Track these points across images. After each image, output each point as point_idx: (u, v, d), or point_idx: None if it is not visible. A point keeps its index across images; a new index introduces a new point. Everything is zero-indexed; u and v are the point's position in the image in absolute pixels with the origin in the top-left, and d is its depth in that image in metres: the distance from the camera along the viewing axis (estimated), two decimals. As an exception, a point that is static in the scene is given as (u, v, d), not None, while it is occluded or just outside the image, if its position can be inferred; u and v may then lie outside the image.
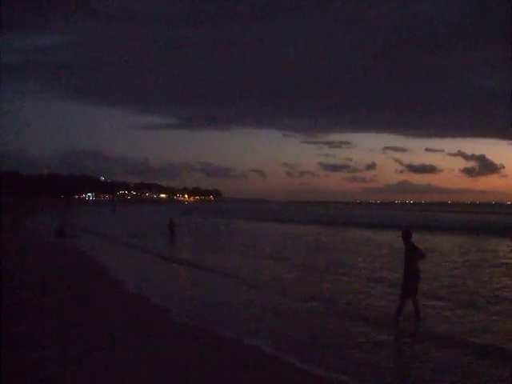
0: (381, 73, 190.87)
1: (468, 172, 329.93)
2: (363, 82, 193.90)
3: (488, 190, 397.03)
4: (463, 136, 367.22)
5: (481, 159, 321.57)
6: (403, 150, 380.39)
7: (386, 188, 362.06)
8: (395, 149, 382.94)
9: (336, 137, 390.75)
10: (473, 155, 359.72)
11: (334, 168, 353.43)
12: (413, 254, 10.87)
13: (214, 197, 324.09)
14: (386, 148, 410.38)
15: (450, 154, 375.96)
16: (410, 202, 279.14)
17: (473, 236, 37.58)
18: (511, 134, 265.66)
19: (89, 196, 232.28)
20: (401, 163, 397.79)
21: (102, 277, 16.62)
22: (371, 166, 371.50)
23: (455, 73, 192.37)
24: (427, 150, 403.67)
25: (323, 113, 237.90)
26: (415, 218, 72.98)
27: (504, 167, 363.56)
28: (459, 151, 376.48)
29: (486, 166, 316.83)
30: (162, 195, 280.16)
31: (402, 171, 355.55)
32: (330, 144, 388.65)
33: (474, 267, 19.52)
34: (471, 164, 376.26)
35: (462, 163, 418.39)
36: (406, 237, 11.07)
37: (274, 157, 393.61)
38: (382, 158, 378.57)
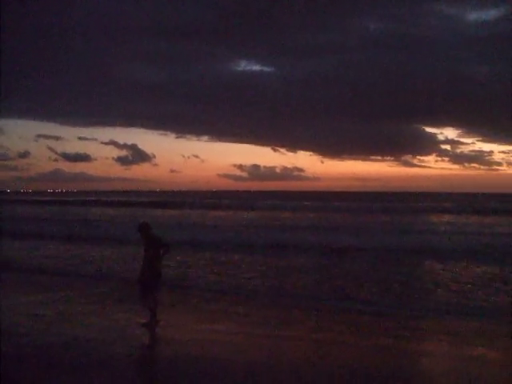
0: (31, 58, 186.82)
1: (121, 161, 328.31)
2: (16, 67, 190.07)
3: (141, 179, 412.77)
4: (115, 125, 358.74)
5: (133, 148, 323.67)
6: (57, 138, 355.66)
7: (38, 177, 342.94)
8: (49, 137, 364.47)
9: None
10: (125, 144, 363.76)
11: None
12: (157, 248, 9.74)
13: None
14: (39, 136, 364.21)
15: (103, 143, 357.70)
16: (62, 191, 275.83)
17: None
18: (160, 124, 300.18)
19: None
20: (55, 152, 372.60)
21: None
22: (24, 155, 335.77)
23: (113, 63, 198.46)
24: (80, 138, 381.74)
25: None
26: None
27: (155, 156, 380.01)
28: (111, 140, 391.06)
29: (139, 155, 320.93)
30: None
31: (55, 160, 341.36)
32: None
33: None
34: (124, 153, 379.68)
35: (115, 152, 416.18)
36: (145, 230, 9.86)
37: None
38: (36, 146, 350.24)
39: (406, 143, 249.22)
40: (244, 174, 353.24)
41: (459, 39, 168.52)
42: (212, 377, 7.38)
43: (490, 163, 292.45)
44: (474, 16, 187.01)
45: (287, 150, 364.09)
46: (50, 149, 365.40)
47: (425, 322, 11.08)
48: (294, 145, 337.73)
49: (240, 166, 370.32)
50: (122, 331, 9.65)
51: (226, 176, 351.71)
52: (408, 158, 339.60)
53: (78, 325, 10.08)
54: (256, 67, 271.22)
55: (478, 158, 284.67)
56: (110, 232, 31.17)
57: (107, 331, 9.62)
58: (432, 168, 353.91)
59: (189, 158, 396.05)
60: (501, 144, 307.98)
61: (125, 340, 9.09)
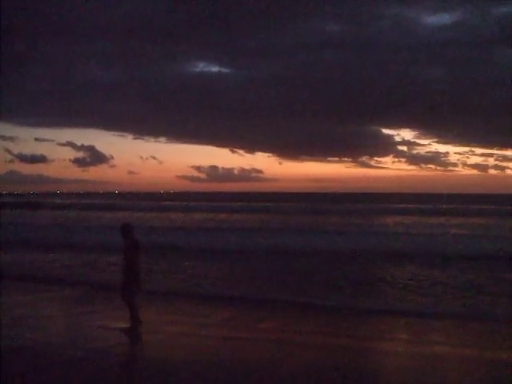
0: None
1: (79, 162, 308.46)
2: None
3: (98, 180, 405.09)
4: (72, 126, 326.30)
5: (90, 150, 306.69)
6: (12, 138, 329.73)
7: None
8: (4, 138, 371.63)
9: None
10: (82, 146, 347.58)
11: None
12: (135, 251, 9.72)
13: None
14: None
15: (60, 144, 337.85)
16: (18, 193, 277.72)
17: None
18: (118, 125, 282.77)
19: None
20: (11, 153, 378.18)
21: None
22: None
23: (70, 63, 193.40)
24: (37, 139, 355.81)
25: None
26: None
27: (113, 158, 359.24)
28: (68, 141, 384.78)
29: (96, 157, 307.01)
30: None
31: (11, 161, 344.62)
32: None
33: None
34: (81, 154, 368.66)
35: (73, 153, 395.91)
36: (128, 231, 9.82)
37: None
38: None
39: (363, 144, 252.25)
40: (202, 176, 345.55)
41: (416, 42, 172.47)
42: (168, 379, 7.41)
43: (446, 164, 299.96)
44: (430, 19, 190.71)
45: (245, 152, 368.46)
46: (6, 150, 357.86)
47: (383, 321, 11.36)
48: (252, 146, 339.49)
49: (198, 168, 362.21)
50: (81, 335, 9.60)
51: (184, 177, 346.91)
52: (365, 159, 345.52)
53: (34, 328, 9.96)
54: (214, 68, 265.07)
55: (434, 159, 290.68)
56: (69, 236, 30.70)
57: (65, 335, 9.57)
58: (389, 169, 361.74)
59: (147, 159, 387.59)
60: (456, 145, 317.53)
61: (83, 343, 9.01)
